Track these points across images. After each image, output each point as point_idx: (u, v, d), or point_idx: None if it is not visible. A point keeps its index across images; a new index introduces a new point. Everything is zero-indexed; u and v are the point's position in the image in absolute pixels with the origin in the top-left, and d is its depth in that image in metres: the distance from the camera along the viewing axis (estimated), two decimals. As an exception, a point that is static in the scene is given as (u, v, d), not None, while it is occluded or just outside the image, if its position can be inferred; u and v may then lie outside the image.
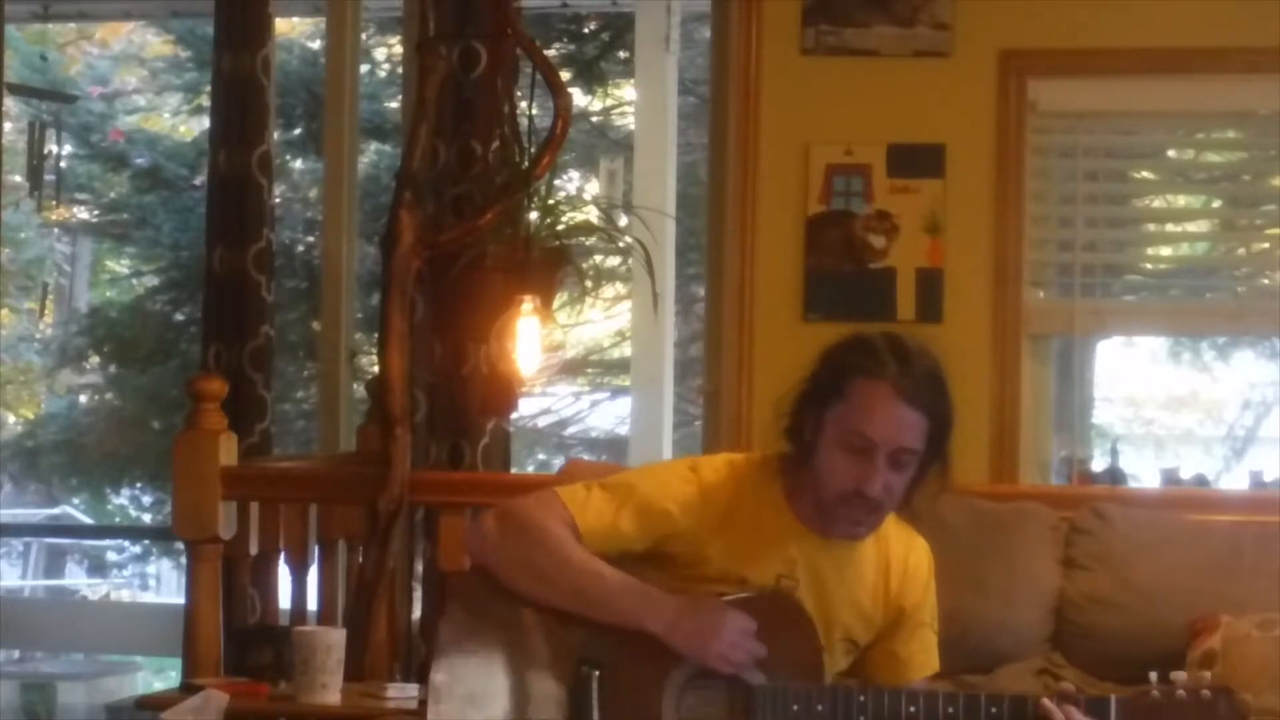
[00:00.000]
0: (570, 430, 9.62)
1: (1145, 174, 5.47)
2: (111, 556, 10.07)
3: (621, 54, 8.11)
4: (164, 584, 9.86)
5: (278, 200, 6.47)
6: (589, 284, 4.46)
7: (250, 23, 5.46)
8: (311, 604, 4.42)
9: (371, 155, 8.29)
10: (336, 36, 5.72)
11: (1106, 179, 5.16)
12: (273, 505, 4.37)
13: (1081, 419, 5.24)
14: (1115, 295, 5.16)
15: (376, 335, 4.45)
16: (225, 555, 4.36)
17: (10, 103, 7.13)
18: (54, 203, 8.44)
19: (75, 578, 10.22)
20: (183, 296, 8.64)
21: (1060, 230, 5.02)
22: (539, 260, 4.11)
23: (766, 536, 2.90)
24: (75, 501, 9.84)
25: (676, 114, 6.36)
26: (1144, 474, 5.58)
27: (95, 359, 9.37)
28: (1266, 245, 5.15)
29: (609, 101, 8.97)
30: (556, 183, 4.97)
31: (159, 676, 8.05)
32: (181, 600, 4.44)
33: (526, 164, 4.23)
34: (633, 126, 7.08)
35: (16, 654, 8.09)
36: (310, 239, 8.16)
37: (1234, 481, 7.21)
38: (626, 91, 8.48)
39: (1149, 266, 5.51)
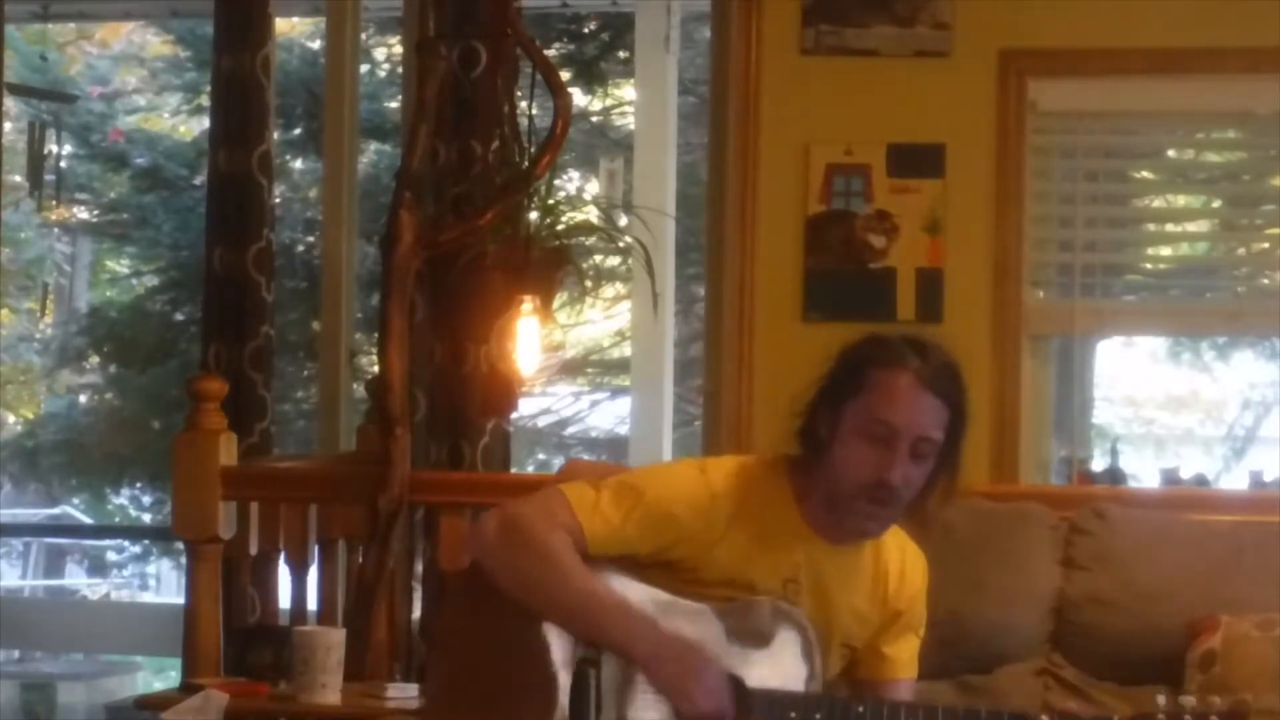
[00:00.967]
0: (570, 430, 9.62)
1: (1145, 174, 5.48)
2: (111, 556, 10.07)
3: (621, 54, 8.11)
4: (164, 584, 9.87)
5: (278, 200, 6.47)
6: (589, 284, 4.46)
7: (250, 23, 5.46)
8: (311, 604, 4.41)
9: (371, 155, 8.29)
10: (336, 36, 5.72)
11: (1106, 179, 5.16)
12: (273, 505, 4.36)
13: (1081, 419, 5.25)
14: (1115, 295, 5.16)
15: (376, 335, 4.45)
16: (225, 555, 4.35)
17: (10, 103, 7.13)
18: (54, 203, 8.43)
19: (75, 578, 10.23)
20: (183, 296, 8.65)
21: (1060, 230, 5.02)
22: (539, 260, 4.11)
23: (773, 541, 2.89)
24: (75, 501, 9.84)
25: (676, 114, 6.36)
26: (1144, 474, 5.58)
27: (95, 359, 9.37)
28: (1266, 245, 5.16)
29: (609, 101, 8.97)
30: (556, 183, 4.97)
31: (159, 676, 8.05)
32: (181, 600, 4.44)
33: (526, 164, 4.23)
34: (633, 126, 7.08)
35: (16, 654, 8.10)
36: (310, 239, 8.16)
37: (1234, 481, 7.21)
38: (626, 91, 8.48)
39: (1149, 266, 5.51)
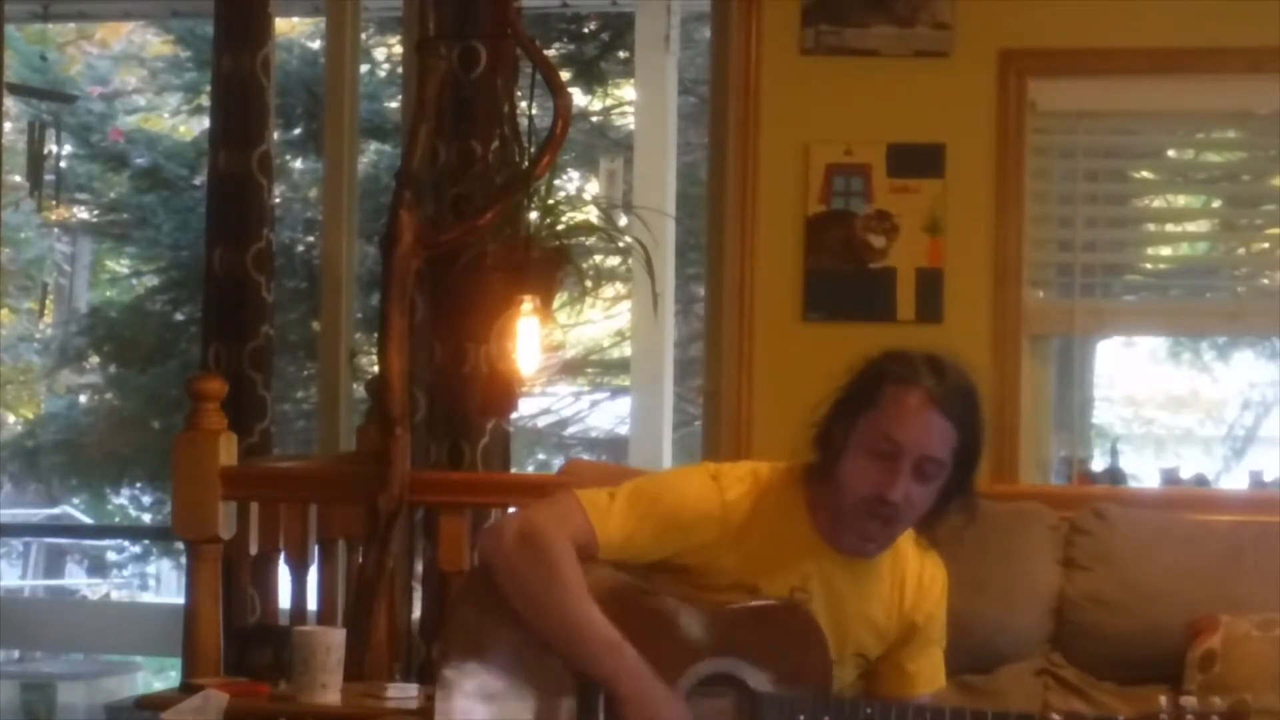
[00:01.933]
0: (570, 430, 9.62)
1: (1145, 174, 5.47)
2: (111, 556, 10.07)
3: (621, 54, 8.11)
4: (164, 584, 9.87)
5: (278, 200, 6.47)
6: (589, 284, 4.45)
7: (250, 23, 5.46)
8: (311, 604, 4.41)
9: (371, 155, 8.29)
10: (336, 36, 5.72)
11: (1106, 179, 5.16)
12: (273, 505, 4.36)
13: (1081, 419, 5.24)
14: (1115, 295, 5.16)
15: (376, 335, 4.44)
16: (225, 555, 4.35)
17: (10, 103, 7.13)
18: (54, 203, 8.43)
19: (75, 578, 10.23)
20: (183, 296, 8.64)
21: (1060, 230, 5.02)
22: (539, 260, 4.11)
23: (784, 550, 2.90)
24: (75, 501, 9.84)
25: (676, 114, 6.36)
26: (1144, 474, 5.58)
27: (95, 359, 9.37)
28: (1266, 245, 5.15)
29: (609, 101, 8.97)
30: (556, 183, 4.96)
31: (159, 676, 8.06)
32: (181, 600, 4.43)
33: (526, 164, 4.22)
34: (633, 126, 7.08)
35: (16, 654, 8.09)
36: (310, 239, 8.16)
37: (1234, 481, 7.21)
38: (626, 91, 8.48)
39: (1149, 266, 5.50)
